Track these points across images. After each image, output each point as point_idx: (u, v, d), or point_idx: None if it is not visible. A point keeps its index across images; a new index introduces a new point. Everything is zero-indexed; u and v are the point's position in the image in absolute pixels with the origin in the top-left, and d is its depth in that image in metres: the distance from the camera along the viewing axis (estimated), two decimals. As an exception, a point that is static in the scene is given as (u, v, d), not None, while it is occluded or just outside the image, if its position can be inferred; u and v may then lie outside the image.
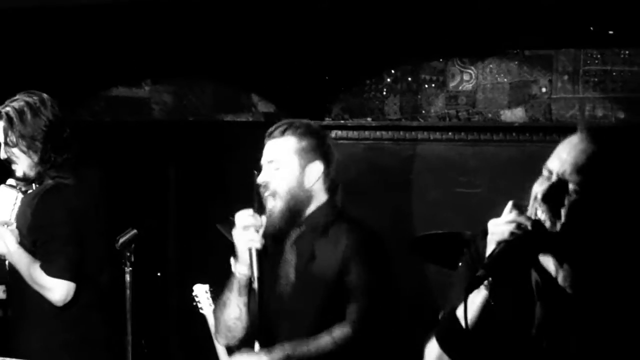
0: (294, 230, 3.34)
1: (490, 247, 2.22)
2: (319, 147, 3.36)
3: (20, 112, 3.89)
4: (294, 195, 3.29)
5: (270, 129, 3.36)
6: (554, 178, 2.28)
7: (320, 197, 3.36)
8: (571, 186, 2.25)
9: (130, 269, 3.19)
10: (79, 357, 3.54)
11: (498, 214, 2.33)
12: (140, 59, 6.11)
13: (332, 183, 3.38)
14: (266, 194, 3.28)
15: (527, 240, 2.20)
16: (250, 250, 3.18)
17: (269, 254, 3.30)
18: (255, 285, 3.16)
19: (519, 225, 2.20)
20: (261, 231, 3.21)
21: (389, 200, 5.64)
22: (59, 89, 4.16)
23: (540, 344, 2.31)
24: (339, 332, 3.18)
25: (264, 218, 3.25)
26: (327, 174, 3.36)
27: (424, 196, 5.55)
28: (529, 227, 2.20)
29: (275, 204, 3.27)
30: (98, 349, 3.91)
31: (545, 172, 2.32)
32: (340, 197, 3.43)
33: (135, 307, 3.65)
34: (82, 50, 6.02)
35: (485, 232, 2.35)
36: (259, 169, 3.34)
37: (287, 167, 3.29)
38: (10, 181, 4.00)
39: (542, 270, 2.35)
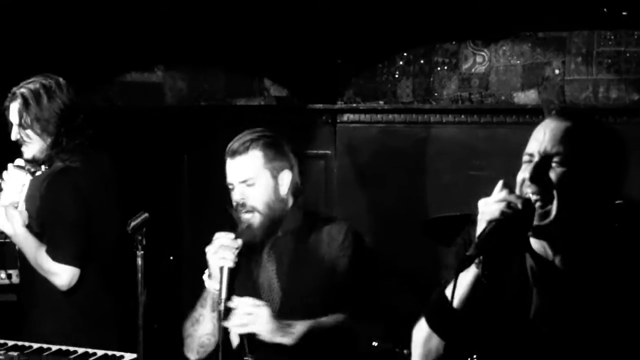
0: (269, 239, 3.38)
1: (480, 226, 2.21)
2: (283, 155, 3.41)
3: (36, 94, 3.89)
4: (272, 207, 3.33)
5: (231, 146, 3.37)
6: (535, 158, 2.28)
7: (289, 203, 3.42)
8: (555, 159, 2.27)
9: (142, 252, 3.18)
10: (91, 340, 3.54)
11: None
12: (153, 44, 6.11)
13: (296, 187, 3.43)
14: (244, 212, 3.30)
15: (517, 219, 2.19)
16: (221, 268, 3.17)
17: (246, 266, 3.34)
18: (222, 307, 3.10)
19: (509, 204, 2.20)
20: (236, 252, 3.19)
21: (402, 183, 5.64)
22: (72, 74, 4.15)
23: (540, 329, 2.30)
24: (343, 318, 3.25)
25: (239, 241, 3.22)
26: (293, 180, 3.42)
27: (437, 179, 5.54)
28: (519, 206, 2.20)
29: (254, 218, 3.30)
30: (110, 332, 3.92)
31: (525, 158, 2.34)
32: (303, 198, 3.48)
33: (148, 291, 3.66)
34: (96, 36, 6.02)
35: (472, 218, 2.36)
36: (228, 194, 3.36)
37: (261, 182, 3.33)
38: (19, 161, 3.98)
39: (537, 256, 2.35)
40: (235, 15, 5.77)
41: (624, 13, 5.11)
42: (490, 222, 2.19)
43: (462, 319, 2.26)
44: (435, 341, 2.35)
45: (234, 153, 3.34)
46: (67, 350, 3.43)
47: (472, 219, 2.35)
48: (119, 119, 6.04)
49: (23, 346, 3.47)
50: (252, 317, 3.10)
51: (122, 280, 3.57)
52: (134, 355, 3.37)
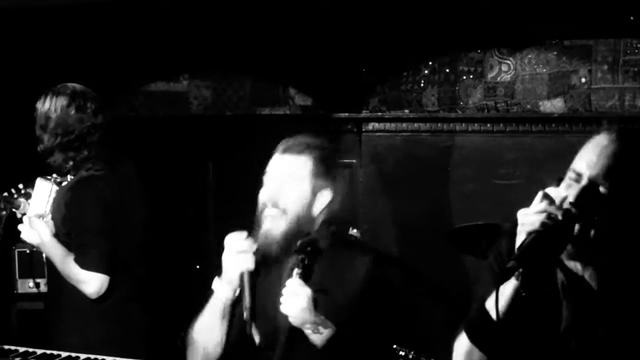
0: (289, 256, 3.15)
1: (520, 238, 2.20)
2: (332, 174, 3.20)
3: (60, 105, 3.93)
4: (300, 220, 3.13)
5: (286, 143, 3.21)
6: (584, 181, 2.25)
7: (317, 224, 3.20)
8: (603, 188, 2.23)
9: (300, 271, 3.06)
10: (118, 350, 3.54)
11: (537, 205, 2.31)
12: (179, 53, 6.13)
13: (332, 214, 3.21)
14: (271, 211, 3.13)
15: (557, 230, 2.17)
16: (242, 274, 3.07)
17: (266, 278, 3.18)
18: (246, 314, 2.99)
19: (549, 216, 2.18)
20: (253, 255, 3.08)
21: (427, 192, 5.63)
22: (98, 84, 4.19)
23: (569, 343, 2.29)
24: None
25: (255, 244, 3.10)
26: (331, 203, 3.19)
27: (462, 188, 5.53)
28: (560, 217, 2.18)
29: (277, 225, 3.12)
30: (138, 342, 3.92)
31: (572, 175, 2.29)
32: (334, 222, 3.24)
33: (175, 300, 3.65)
34: (122, 46, 6.06)
35: (512, 226, 2.33)
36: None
37: (300, 188, 3.14)
38: (47, 175, 4.02)
39: (568, 270, 2.33)
40: (260, 25, 5.79)
41: (651, 21, 5.09)
42: (530, 233, 2.18)
43: (503, 332, 2.24)
44: (477, 355, 2.33)
45: (286, 150, 3.18)
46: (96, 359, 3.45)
47: (503, 230, 2.34)
48: (145, 128, 6.07)
49: (51, 355, 3.48)
50: (296, 297, 2.94)
51: (150, 289, 3.57)
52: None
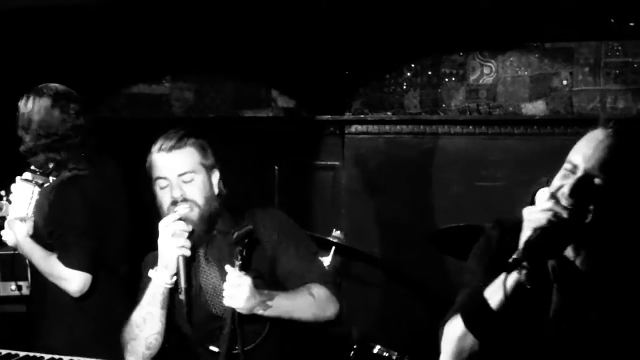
0: (204, 237, 3.34)
1: (526, 233, 2.28)
2: (210, 154, 3.39)
3: (39, 106, 3.92)
4: (210, 203, 3.31)
5: (166, 143, 3.31)
6: (579, 173, 2.31)
7: (220, 202, 3.39)
8: (598, 181, 2.28)
9: (240, 262, 3.14)
10: (102, 349, 3.54)
11: (519, 207, 2.37)
12: (160, 56, 6.12)
13: (221, 188, 3.40)
14: (184, 207, 3.25)
15: (562, 228, 2.25)
16: (179, 258, 3.18)
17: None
18: (182, 295, 3.15)
19: (555, 214, 2.25)
20: (188, 238, 3.21)
21: (410, 194, 5.65)
22: (80, 85, 4.17)
23: (559, 327, 2.34)
24: (316, 289, 3.24)
25: (189, 226, 3.23)
26: (220, 181, 3.40)
27: (445, 190, 5.55)
28: (565, 216, 2.24)
29: (192, 212, 3.26)
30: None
31: (568, 166, 2.36)
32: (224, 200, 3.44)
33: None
34: (103, 47, 6.04)
35: (497, 223, 2.52)
36: (163, 187, 3.30)
37: (199, 177, 3.30)
38: (26, 175, 3.99)
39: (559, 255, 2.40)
40: (242, 27, 5.79)
41: (631, 24, 5.11)
42: (536, 229, 2.26)
43: (500, 321, 2.32)
44: (470, 340, 2.39)
45: (172, 148, 3.29)
46: (78, 361, 3.44)
47: (498, 227, 2.50)
48: (126, 130, 6.05)
49: (34, 357, 3.46)
50: (239, 288, 3.04)
51: (133, 287, 3.56)
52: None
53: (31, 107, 3.94)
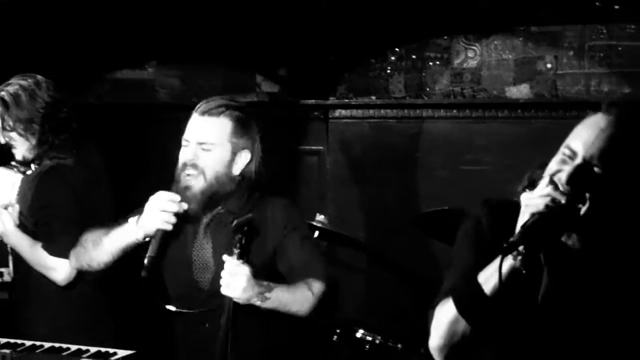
0: (206, 214, 3.31)
1: (523, 218, 2.27)
2: (250, 135, 3.31)
3: (15, 96, 3.88)
4: (219, 180, 3.24)
5: (204, 105, 3.28)
6: (578, 160, 2.29)
7: (237, 184, 3.32)
8: (598, 168, 2.27)
9: (239, 251, 3.10)
10: (86, 336, 3.53)
11: (504, 190, 2.37)
12: (145, 41, 6.09)
13: (251, 172, 3.33)
14: (191, 173, 3.21)
15: (559, 214, 2.24)
16: (158, 230, 3.15)
17: (182, 237, 3.31)
18: (147, 261, 3.11)
19: (553, 200, 2.24)
20: (175, 217, 3.16)
21: (395, 178, 5.65)
22: (63, 71, 4.15)
23: (548, 309, 2.34)
24: (316, 285, 3.22)
25: (184, 204, 3.18)
26: (250, 164, 3.32)
27: (430, 174, 5.55)
28: (563, 202, 2.24)
29: (197, 181, 3.21)
30: (106, 328, 3.92)
31: (566, 151, 2.33)
32: (252, 184, 3.38)
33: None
34: (87, 33, 6.00)
35: (486, 204, 2.49)
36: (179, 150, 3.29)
37: (219, 151, 3.24)
38: (10, 163, 3.98)
39: None
40: (226, 12, 5.76)
41: (616, 7, 5.11)
42: (534, 214, 2.24)
43: (493, 306, 2.31)
44: (462, 324, 2.37)
45: (205, 112, 3.25)
46: (60, 347, 3.40)
47: (486, 210, 2.47)
48: (110, 116, 6.02)
49: (15, 344, 3.44)
50: (236, 278, 3.02)
51: (117, 275, 3.55)
52: (128, 352, 3.35)
53: (8, 96, 3.91)
